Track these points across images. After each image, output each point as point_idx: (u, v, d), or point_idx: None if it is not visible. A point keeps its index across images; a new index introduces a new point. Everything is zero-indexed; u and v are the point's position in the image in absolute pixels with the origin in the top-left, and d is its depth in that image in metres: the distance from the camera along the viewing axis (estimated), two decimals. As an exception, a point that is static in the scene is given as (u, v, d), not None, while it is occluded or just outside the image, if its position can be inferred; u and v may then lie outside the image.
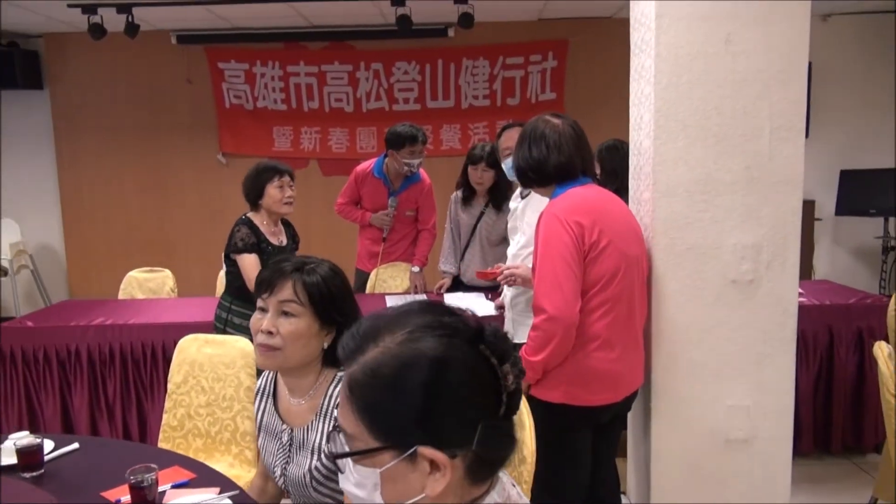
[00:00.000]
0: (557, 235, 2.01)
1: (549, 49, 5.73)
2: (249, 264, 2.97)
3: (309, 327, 1.55)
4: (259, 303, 1.59)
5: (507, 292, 2.90)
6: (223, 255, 3.12)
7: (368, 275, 4.08)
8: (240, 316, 3.04)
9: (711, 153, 2.14)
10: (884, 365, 2.25)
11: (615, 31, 5.60)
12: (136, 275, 4.12)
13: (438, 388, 0.87)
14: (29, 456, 1.75)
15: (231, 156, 5.94)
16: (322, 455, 1.56)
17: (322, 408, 1.59)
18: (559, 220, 2.02)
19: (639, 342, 2.19)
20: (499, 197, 3.75)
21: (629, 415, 2.39)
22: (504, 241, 3.89)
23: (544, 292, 2.00)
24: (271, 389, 1.75)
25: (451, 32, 5.71)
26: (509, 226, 3.09)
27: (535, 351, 2.02)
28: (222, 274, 4.11)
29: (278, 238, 3.15)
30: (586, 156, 2.16)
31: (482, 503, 0.93)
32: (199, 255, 5.72)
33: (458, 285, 3.87)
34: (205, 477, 1.74)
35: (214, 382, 2.53)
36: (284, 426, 1.66)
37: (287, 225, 3.30)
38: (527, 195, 2.74)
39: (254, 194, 3.07)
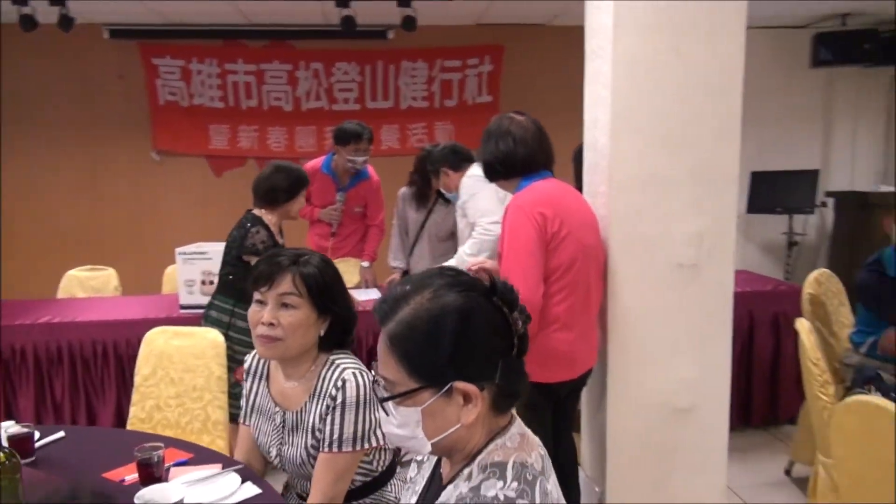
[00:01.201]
0: (523, 226, 2.18)
1: (486, 53, 5.93)
2: None
3: (307, 317, 1.65)
4: (257, 296, 1.67)
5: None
6: (227, 256, 3.02)
7: (318, 270, 4.13)
8: (244, 319, 2.99)
9: (662, 152, 2.35)
10: (805, 338, 2.54)
11: (550, 38, 5.89)
12: (77, 273, 4.02)
13: (465, 333, 1.04)
14: (21, 443, 1.75)
15: (165, 153, 5.82)
16: (316, 433, 1.65)
17: (316, 390, 1.68)
18: (524, 211, 2.19)
19: (594, 324, 2.39)
20: (447, 192, 3.90)
21: (584, 392, 2.59)
22: (451, 236, 4.05)
23: (511, 279, 2.16)
24: (264, 372, 1.83)
25: (390, 34, 5.82)
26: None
27: None
28: (170, 270, 4.08)
29: (280, 238, 3.17)
30: (547, 151, 2.34)
31: (508, 432, 1.09)
32: (135, 252, 5.58)
33: (408, 279, 4.00)
34: (203, 455, 1.80)
35: (184, 373, 2.55)
36: (277, 409, 1.74)
37: None
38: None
39: (286, 196, 3.04)
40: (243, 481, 1.62)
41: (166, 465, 1.70)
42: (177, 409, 2.54)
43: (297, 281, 1.64)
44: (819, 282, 3.25)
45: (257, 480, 1.64)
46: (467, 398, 1.04)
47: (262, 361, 1.85)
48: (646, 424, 2.46)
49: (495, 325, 1.08)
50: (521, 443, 1.09)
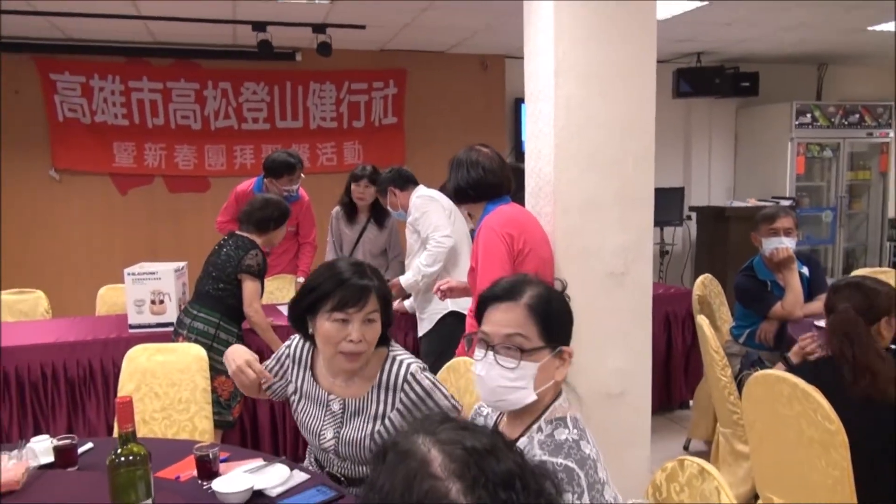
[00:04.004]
0: (495, 244, 2.57)
1: (391, 77, 6.27)
2: (256, 290, 3.15)
3: (380, 326, 1.86)
4: (339, 315, 1.77)
5: (407, 302, 3.56)
6: (221, 273, 3.13)
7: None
8: (227, 332, 3.14)
9: (594, 178, 2.81)
10: (707, 330, 3.10)
11: (449, 64, 6.34)
12: (3, 297, 3.89)
13: (567, 312, 1.49)
14: (66, 453, 1.87)
15: (66, 172, 5.65)
16: (386, 420, 1.85)
17: (381, 381, 1.87)
18: (495, 232, 2.58)
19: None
20: (380, 215, 4.23)
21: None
22: (383, 253, 4.36)
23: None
24: (308, 361, 1.98)
25: (298, 56, 6.02)
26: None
27: None
28: (104, 291, 4.07)
29: None
30: (509, 178, 2.74)
31: (561, 396, 1.52)
32: (45, 275, 5.37)
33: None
34: (237, 454, 1.99)
35: (169, 388, 2.69)
36: (334, 396, 1.91)
37: None
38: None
39: (275, 225, 3.28)
40: (291, 469, 1.85)
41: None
42: (163, 421, 2.66)
43: (378, 298, 1.82)
44: (704, 284, 3.88)
45: (303, 468, 1.88)
46: (564, 361, 1.45)
47: (305, 350, 1.99)
48: (587, 407, 2.89)
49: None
50: (570, 405, 1.46)
